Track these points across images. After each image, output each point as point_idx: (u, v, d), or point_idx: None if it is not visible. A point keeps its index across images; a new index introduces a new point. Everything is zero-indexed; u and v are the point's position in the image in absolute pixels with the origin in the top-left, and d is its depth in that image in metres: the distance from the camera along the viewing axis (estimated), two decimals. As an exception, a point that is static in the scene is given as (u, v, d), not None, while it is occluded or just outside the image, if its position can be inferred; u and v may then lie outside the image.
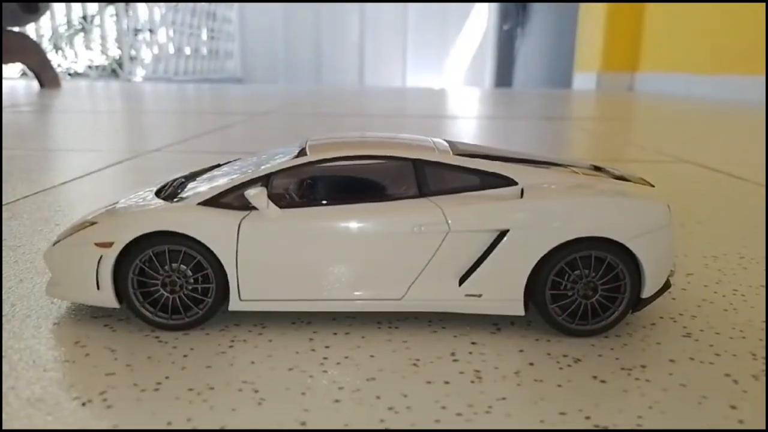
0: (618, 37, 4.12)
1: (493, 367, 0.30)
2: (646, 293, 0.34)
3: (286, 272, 0.34)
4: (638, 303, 0.34)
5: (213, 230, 0.33)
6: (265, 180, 0.34)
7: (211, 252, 0.33)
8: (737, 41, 2.96)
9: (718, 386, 0.29)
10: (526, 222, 0.33)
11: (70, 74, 6.08)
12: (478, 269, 0.34)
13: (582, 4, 4.55)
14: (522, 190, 0.34)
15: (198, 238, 0.33)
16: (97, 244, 0.34)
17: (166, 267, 0.34)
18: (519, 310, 0.34)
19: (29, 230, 0.54)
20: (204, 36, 6.56)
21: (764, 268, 0.46)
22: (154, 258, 0.34)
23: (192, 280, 0.34)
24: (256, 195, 0.33)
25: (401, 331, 0.34)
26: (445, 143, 0.38)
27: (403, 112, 2.06)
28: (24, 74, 4.55)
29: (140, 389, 0.28)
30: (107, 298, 0.34)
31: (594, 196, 0.34)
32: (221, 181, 0.36)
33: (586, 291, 0.34)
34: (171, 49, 6.28)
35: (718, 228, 0.58)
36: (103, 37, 6.20)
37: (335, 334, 0.34)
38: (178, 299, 0.34)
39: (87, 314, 0.36)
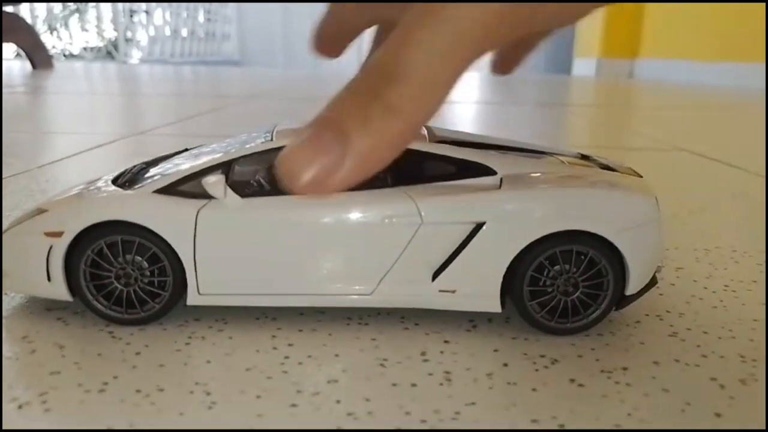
0: (618, 23, 4.07)
1: (465, 369, 0.29)
2: (630, 290, 0.32)
3: (248, 265, 0.32)
4: (622, 300, 0.33)
5: (168, 220, 0.31)
6: (225, 167, 0.32)
7: (167, 243, 0.31)
8: (739, 28, 2.92)
9: (703, 391, 0.27)
10: (503, 214, 0.31)
11: (65, 55, 6.02)
12: (452, 264, 0.32)
13: (583, -11, 4.49)
14: (501, 180, 0.32)
15: (152, 228, 0.31)
16: (46, 234, 0.32)
17: (120, 259, 0.32)
18: (495, 306, 0.32)
19: (6, 211, 0.52)
20: (201, 18, 6.47)
21: (758, 262, 0.44)
22: (106, 249, 0.32)
23: (148, 273, 0.32)
24: (214, 183, 0.31)
25: (371, 328, 0.32)
26: (423, 128, 0.36)
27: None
28: (18, 55, 4.50)
29: (84, 390, 0.26)
30: (59, 290, 0.32)
31: (577, 187, 0.32)
32: (181, 167, 0.33)
33: (566, 287, 0.32)
34: (167, 31, 6.21)
35: (712, 220, 0.56)
36: (98, 19, 6.12)
37: (300, 330, 0.32)
38: (133, 293, 0.32)
39: (41, 306, 0.34)
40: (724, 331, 0.33)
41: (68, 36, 6.13)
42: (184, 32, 6.36)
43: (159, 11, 6.17)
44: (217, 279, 0.32)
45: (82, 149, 0.88)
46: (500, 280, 0.32)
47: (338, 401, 0.26)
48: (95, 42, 6.21)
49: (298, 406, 0.25)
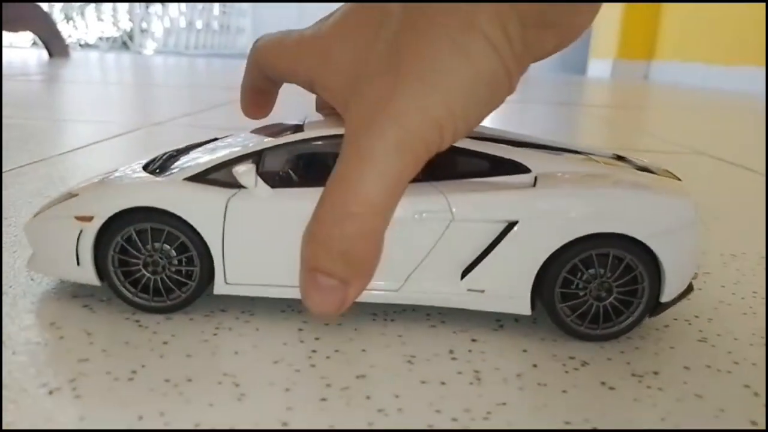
0: (635, 24, 4.04)
1: (494, 368, 0.28)
2: (666, 297, 0.31)
3: (275, 256, 0.32)
4: (657, 307, 0.32)
5: (198, 208, 0.31)
6: (256, 157, 0.32)
7: (196, 231, 0.31)
8: (756, 31, 2.88)
9: (736, 398, 0.27)
10: (537, 214, 0.30)
11: (80, 45, 6.05)
12: (482, 263, 0.31)
13: (600, -10, 4.45)
14: (535, 179, 0.32)
15: (182, 216, 0.31)
16: (77, 218, 0.32)
17: (149, 246, 0.32)
18: (525, 308, 0.32)
19: (18, 201, 0.52)
20: (216, 11, 6.49)
21: (786, 269, 0.43)
22: (135, 236, 0.32)
23: (176, 261, 0.32)
24: (245, 172, 0.31)
25: (397, 325, 0.32)
26: None
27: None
28: (34, 43, 4.53)
29: (113, 378, 0.26)
30: (87, 274, 0.32)
31: (613, 188, 0.31)
32: (212, 156, 0.33)
33: (600, 292, 0.31)
34: (182, 23, 6.22)
35: (736, 225, 0.56)
36: (114, 9, 6.15)
37: (326, 325, 0.32)
38: (160, 281, 0.32)
39: (68, 293, 0.34)
40: (755, 338, 0.33)
41: (84, 25, 6.17)
42: (199, 24, 6.38)
43: (174, 3, 6.19)
44: (245, 269, 0.32)
45: (100, 138, 0.89)
46: (531, 281, 0.31)
47: (368, 397, 0.26)
48: (111, 32, 6.24)
49: (328, 401, 0.25)
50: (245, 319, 0.32)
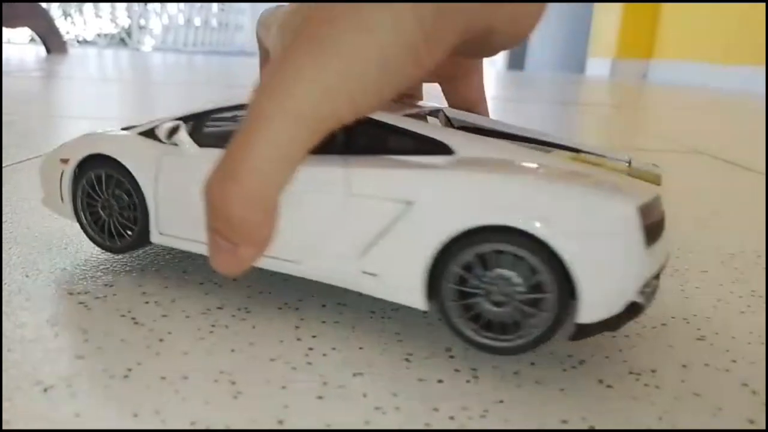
0: (634, 24, 4.04)
1: (491, 366, 0.28)
2: (585, 317, 0.26)
3: (200, 214, 0.31)
4: (579, 330, 0.26)
5: (138, 159, 0.35)
6: (199, 118, 0.34)
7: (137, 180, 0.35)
8: (756, 31, 2.88)
9: (734, 397, 0.27)
10: (432, 196, 0.27)
11: (78, 41, 6.03)
12: (377, 245, 0.28)
13: (599, -11, 4.45)
14: (454, 161, 0.28)
15: (125, 164, 0.35)
16: (60, 160, 0.38)
17: (108, 191, 0.36)
18: (419, 302, 0.28)
19: (14, 198, 0.52)
20: (214, 8, 6.47)
21: (784, 268, 0.43)
22: (95, 180, 0.37)
23: (126, 207, 0.36)
24: (168, 128, 0.33)
25: (394, 323, 0.32)
26: (438, 109, 0.36)
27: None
28: (32, 40, 4.51)
29: (109, 375, 0.26)
30: (67, 210, 0.38)
31: (528, 177, 0.26)
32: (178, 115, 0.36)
33: (497, 297, 0.27)
34: (181, 20, 6.21)
35: (735, 224, 0.56)
36: (112, 6, 6.13)
37: (324, 322, 0.32)
38: (112, 223, 0.37)
39: (63, 290, 0.34)
40: (753, 337, 0.33)
41: (82, 22, 6.15)
42: (198, 21, 6.36)
43: (173, 2, 6.18)
44: (174, 222, 0.34)
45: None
46: (424, 271, 0.28)
47: (365, 395, 0.26)
48: (109, 29, 6.22)
49: (325, 399, 0.25)
50: (241, 316, 0.32)
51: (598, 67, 4.37)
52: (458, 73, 0.35)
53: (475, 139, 0.29)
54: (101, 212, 0.36)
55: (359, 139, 0.30)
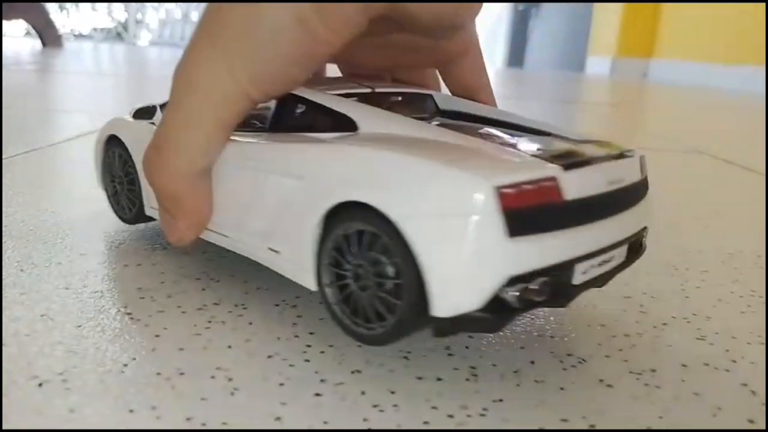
0: (635, 22, 4.03)
1: (491, 365, 0.28)
2: (436, 309, 0.23)
3: None
4: (437, 325, 0.24)
5: (133, 138, 0.39)
6: None
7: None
8: (756, 31, 2.89)
9: (734, 397, 0.27)
10: (315, 171, 0.27)
11: (74, 35, 6.00)
12: (278, 221, 0.29)
13: (599, -13, 4.44)
14: (350, 137, 0.28)
15: (125, 142, 0.40)
16: (97, 140, 0.43)
17: (119, 168, 0.41)
18: (309, 282, 0.28)
19: (9, 192, 0.52)
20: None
21: (783, 268, 0.43)
22: (111, 158, 0.42)
23: (130, 182, 0.40)
24: (137, 110, 0.40)
25: (393, 319, 0.32)
26: (423, 94, 0.36)
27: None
28: (27, 33, 4.49)
29: (104, 370, 0.26)
30: (99, 180, 0.44)
31: (394, 153, 0.24)
32: None
33: (366, 281, 0.25)
34: (178, 15, 6.18)
35: (735, 224, 0.55)
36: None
37: (321, 319, 0.31)
38: (123, 197, 0.41)
39: (59, 285, 0.34)
40: (753, 337, 0.32)
41: (78, 16, 6.12)
42: (195, 16, 6.33)
43: (171, 3, 6.15)
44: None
45: (93, 129, 0.88)
46: (311, 250, 0.27)
47: (363, 392, 0.25)
48: (105, 23, 6.19)
49: (323, 396, 0.25)
50: (238, 312, 0.32)
51: (597, 65, 4.37)
52: (443, 58, 0.34)
53: (382, 116, 0.28)
54: (116, 185, 0.42)
55: (285, 117, 0.31)
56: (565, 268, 0.24)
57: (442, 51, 0.34)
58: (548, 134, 0.32)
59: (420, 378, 0.27)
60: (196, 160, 0.27)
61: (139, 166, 0.38)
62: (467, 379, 0.27)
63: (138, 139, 0.38)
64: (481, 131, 0.31)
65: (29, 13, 3.07)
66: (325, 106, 0.30)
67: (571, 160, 0.25)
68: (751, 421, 0.25)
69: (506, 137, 0.29)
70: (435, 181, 0.23)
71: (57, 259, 0.38)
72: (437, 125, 0.29)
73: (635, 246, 0.30)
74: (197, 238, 0.32)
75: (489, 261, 0.22)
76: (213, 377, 0.26)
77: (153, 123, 0.39)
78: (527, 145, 0.27)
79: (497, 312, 0.23)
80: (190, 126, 0.27)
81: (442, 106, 0.36)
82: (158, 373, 0.26)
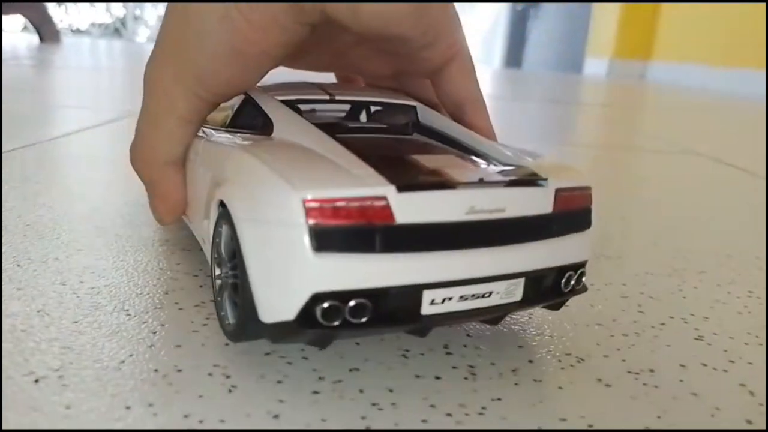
0: (633, 24, 4.04)
1: (489, 363, 0.28)
2: (261, 314, 0.24)
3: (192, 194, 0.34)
4: (262, 329, 0.24)
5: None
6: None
7: None
8: (754, 34, 2.89)
9: (732, 397, 0.27)
10: (212, 167, 0.29)
11: (72, 31, 5.98)
12: (203, 212, 0.30)
13: (598, -11, 4.45)
14: (257, 141, 0.29)
15: None
16: None
17: None
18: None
19: (5, 187, 0.51)
20: None
21: (780, 269, 0.43)
22: None
23: None
24: None
25: (391, 318, 0.32)
26: (405, 105, 0.35)
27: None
28: (25, 28, 4.47)
29: (101, 367, 0.26)
30: None
31: (251, 155, 0.25)
32: None
33: (225, 278, 0.27)
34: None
35: (731, 225, 0.56)
36: (107, -4, 6.08)
37: (320, 316, 0.31)
38: None
39: (56, 280, 0.34)
40: (750, 337, 0.32)
41: (77, 11, 6.10)
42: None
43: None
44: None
45: (91, 124, 0.87)
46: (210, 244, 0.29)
47: (361, 390, 0.25)
48: (103, 19, 6.17)
49: (321, 394, 0.25)
50: (237, 309, 0.32)
51: (595, 66, 4.38)
52: (426, 66, 0.34)
53: (294, 124, 0.29)
54: None
55: (240, 116, 0.34)
56: (404, 294, 0.23)
57: (423, 59, 0.33)
58: (485, 159, 0.29)
59: (418, 376, 0.26)
60: (163, 152, 0.31)
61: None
62: (466, 378, 0.27)
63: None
64: (409, 148, 0.30)
65: (27, 8, 3.05)
66: (261, 109, 0.32)
67: (417, 182, 0.24)
68: (749, 422, 0.25)
69: (418, 158, 0.27)
70: (263, 187, 0.23)
71: (54, 254, 0.37)
72: (342, 137, 0.28)
73: (544, 285, 0.27)
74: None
75: (294, 274, 0.22)
76: (210, 374, 0.26)
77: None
78: (412, 166, 0.26)
79: (314, 326, 0.23)
80: (153, 123, 0.31)
81: (422, 120, 0.35)
82: (155, 370, 0.26)
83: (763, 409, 0.26)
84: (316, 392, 0.25)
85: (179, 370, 0.26)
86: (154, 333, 0.29)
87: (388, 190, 0.22)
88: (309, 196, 0.22)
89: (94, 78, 1.68)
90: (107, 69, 2.05)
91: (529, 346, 0.30)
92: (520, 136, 1.06)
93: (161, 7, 6.08)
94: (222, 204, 0.26)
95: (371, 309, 0.23)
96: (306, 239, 0.22)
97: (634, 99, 2.25)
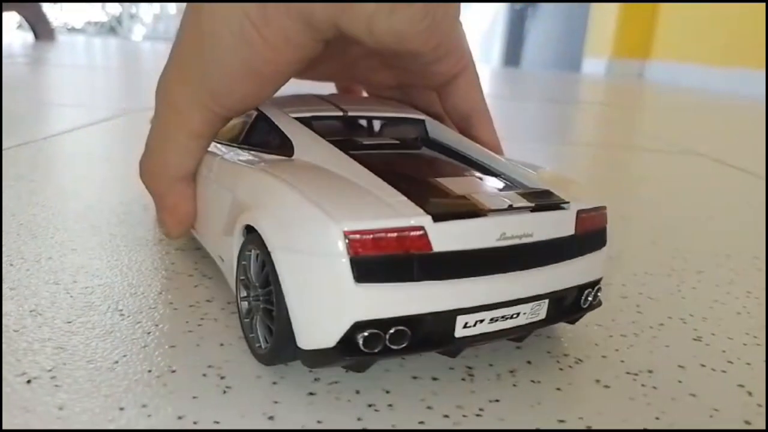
0: (631, 23, 4.04)
1: (487, 364, 0.28)
2: (300, 340, 0.24)
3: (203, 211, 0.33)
4: (301, 355, 0.24)
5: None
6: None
7: None
8: (753, 33, 2.89)
9: (731, 398, 0.27)
10: (235, 189, 0.29)
11: (67, 29, 5.96)
12: (222, 230, 0.30)
13: (596, -12, 4.45)
14: (280, 161, 0.29)
15: None
16: None
17: None
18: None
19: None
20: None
21: (778, 269, 0.43)
22: None
23: None
24: None
25: (388, 318, 0.31)
26: (414, 119, 0.35)
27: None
28: (20, 26, 4.45)
29: (94, 367, 0.25)
30: None
31: (287, 186, 0.25)
32: None
33: (257, 302, 0.26)
34: (172, 9, 6.14)
35: (732, 225, 0.55)
36: (103, -7, 6.06)
37: (316, 316, 0.31)
38: None
39: (49, 280, 0.33)
40: (749, 338, 0.32)
41: (72, 9, 6.08)
42: (190, 11, 6.30)
43: (169, 3, 6.12)
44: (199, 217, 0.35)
45: (86, 123, 0.87)
46: (235, 264, 0.28)
47: (357, 392, 0.25)
48: (99, 17, 6.15)
49: (317, 395, 0.24)
50: (231, 309, 0.31)
51: (594, 65, 4.38)
52: (436, 80, 0.34)
53: (315, 145, 0.29)
54: None
55: (253, 133, 0.33)
56: (441, 319, 0.24)
57: (432, 73, 0.33)
58: (502, 179, 0.29)
59: (415, 377, 0.26)
60: (174, 166, 0.31)
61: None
62: (463, 379, 0.26)
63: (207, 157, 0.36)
64: (429, 171, 0.29)
65: (22, 6, 3.04)
66: (278, 127, 0.31)
67: (452, 211, 0.24)
68: (747, 423, 0.25)
69: (443, 181, 0.27)
70: (301, 217, 0.23)
71: (47, 254, 0.37)
72: (356, 153, 0.28)
73: (566, 303, 0.28)
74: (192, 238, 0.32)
75: (334, 303, 0.22)
76: (205, 375, 0.25)
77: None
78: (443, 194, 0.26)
79: (355, 353, 0.23)
80: (165, 137, 0.30)
81: (431, 134, 0.35)
82: (149, 371, 0.25)
83: (762, 409, 0.26)
84: (311, 393, 0.25)
85: (173, 371, 0.25)
86: (148, 333, 0.28)
87: (425, 221, 0.23)
88: (349, 228, 0.22)
89: (89, 76, 1.67)
90: (102, 67, 2.04)
91: (528, 347, 0.30)
92: (520, 135, 1.06)
93: (157, 6, 6.07)
94: (248, 228, 0.26)
95: (410, 336, 0.23)
96: (347, 270, 0.22)
97: (633, 98, 2.25)
